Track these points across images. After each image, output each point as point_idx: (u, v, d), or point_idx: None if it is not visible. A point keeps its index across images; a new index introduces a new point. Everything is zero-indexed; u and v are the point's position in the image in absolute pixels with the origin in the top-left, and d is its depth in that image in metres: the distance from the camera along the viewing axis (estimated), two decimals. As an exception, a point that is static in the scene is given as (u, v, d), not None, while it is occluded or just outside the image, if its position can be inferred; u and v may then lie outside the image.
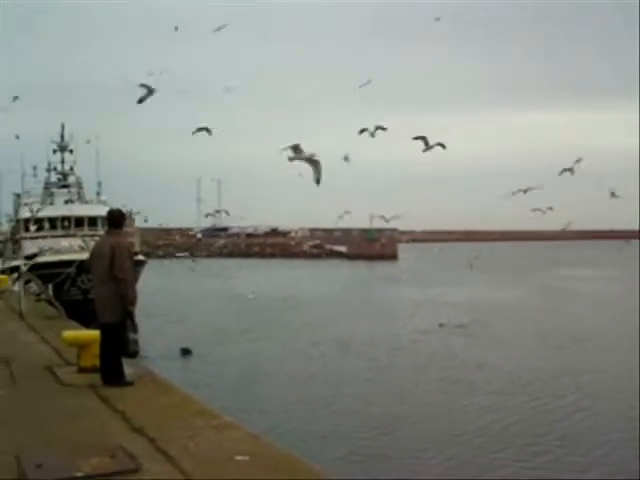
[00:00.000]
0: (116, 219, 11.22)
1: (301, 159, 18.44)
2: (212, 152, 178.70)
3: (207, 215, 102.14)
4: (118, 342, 10.53)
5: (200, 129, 24.18)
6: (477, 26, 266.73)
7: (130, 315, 10.60)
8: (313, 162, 18.50)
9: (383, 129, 23.49)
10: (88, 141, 50.60)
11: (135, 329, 10.60)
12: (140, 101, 22.18)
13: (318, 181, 18.49)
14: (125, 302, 10.57)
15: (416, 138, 22.75)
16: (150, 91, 22.46)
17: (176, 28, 32.56)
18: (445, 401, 23.29)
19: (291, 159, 18.54)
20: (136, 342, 10.59)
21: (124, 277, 10.57)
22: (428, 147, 22.60)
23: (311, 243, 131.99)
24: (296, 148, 18.37)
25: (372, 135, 23.07)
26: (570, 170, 26.93)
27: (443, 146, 22.90)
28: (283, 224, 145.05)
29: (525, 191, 30.41)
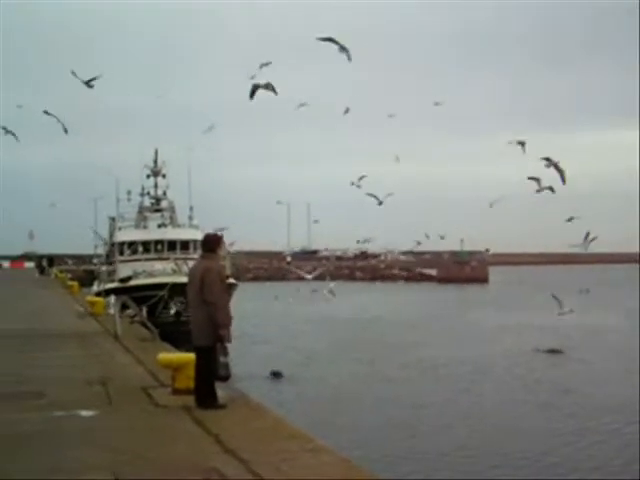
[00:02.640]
0: (209, 243, 11.29)
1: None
2: (302, 174, 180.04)
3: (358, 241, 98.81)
4: (211, 365, 10.58)
5: (91, 79, 23.71)
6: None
7: (220, 338, 10.56)
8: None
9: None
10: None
11: (225, 352, 10.56)
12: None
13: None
14: (216, 326, 10.64)
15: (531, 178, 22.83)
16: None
17: None
18: (532, 425, 22.94)
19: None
20: (227, 366, 10.52)
21: (213, 301, 10.57)
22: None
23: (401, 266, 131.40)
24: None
25: None
26: None
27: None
28: (372, 247, 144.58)
29: None
